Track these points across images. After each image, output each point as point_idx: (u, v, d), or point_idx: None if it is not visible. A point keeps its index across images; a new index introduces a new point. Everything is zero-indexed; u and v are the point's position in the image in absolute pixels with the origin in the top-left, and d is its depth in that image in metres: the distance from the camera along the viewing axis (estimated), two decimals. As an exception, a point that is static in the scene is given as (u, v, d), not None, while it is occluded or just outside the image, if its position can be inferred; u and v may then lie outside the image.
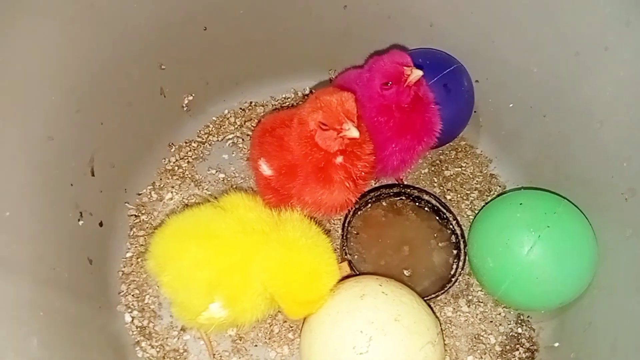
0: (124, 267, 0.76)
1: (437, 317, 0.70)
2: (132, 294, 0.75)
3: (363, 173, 0.69)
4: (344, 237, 0.76)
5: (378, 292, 0.64)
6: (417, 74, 0.67)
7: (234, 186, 0.85)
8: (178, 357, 0.72)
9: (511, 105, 0.83)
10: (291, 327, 0.74)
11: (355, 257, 0.76)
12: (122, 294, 0.75)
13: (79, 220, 0.70)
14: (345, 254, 0.74)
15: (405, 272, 0.75)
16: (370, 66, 0.72)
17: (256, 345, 0.73)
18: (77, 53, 0.68)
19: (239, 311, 0.62)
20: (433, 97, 0.73)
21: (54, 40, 0.65)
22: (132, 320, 0.73)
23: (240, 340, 0.73)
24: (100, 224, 0.75)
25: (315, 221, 0.68)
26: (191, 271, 0.62)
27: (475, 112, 0.87)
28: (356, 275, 0.73)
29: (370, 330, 0.60)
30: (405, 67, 0.67)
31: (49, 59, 0.65)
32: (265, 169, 0.71)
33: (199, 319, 0.62)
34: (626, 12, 0.64)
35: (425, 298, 0.71)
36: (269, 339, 0.73)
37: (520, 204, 0.70)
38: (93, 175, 0.73)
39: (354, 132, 0.61)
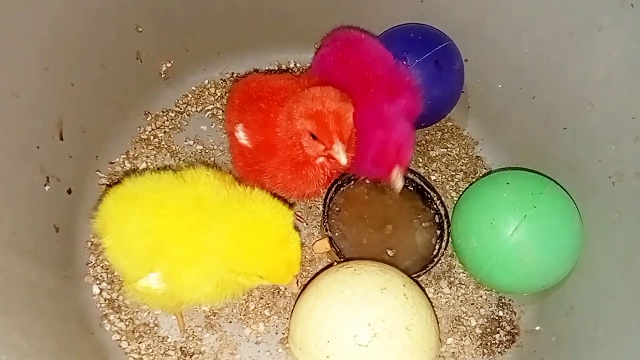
0: (93, 237, 0.72)
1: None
2: (101, 265, 0.71)
3: (338, 172, 0.69)
4: (325, 214, 0.73)
5: (399, 292, 0.60)
6: (398, 185, 0.68)
7: (212, 159, 0.82)
8: (148, 331, 0.69)
9: (500, 86, 0.82)
10: (267, 304, 0.72)
11: (337, 234, 0.73)
12: (90, 264, 0.71)
13: (45, 185, 0.66)
14: (326, 231, 0.72)
15: (389, 252, 0.73)
16: (389, 136, 0.67)
17: (230, 322, 0.70)
18: (46, 5, 0.63)
19: (178, 286, 0.58)
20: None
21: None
22: (101, 292, 0.70)
23: (214, 316, 0.71)
24: (69, 191, 0.71)
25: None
26: (134, 237, 0.58)
27: (463, 92, 0.85)
28: (338, 252, 0.71)
29: (379, 327, 0.57)
30: (396, 168, 0.66)
31: (16, 10, 0.60)
32: (242, 137, 0.68)
33: (135, 286, 0.59)
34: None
35: (407, 278, 0.69)
36: (244, 315, 0.71)
37: (507, 183, 0.68)
38: (62, 139, 0.69)
39: (342, 159, 0.60)
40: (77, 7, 0.67)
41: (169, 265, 0.57)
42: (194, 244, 0.57)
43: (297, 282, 0.64)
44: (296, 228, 0.61)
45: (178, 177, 0.63)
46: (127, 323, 0.69)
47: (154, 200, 0.59)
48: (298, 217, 0.77)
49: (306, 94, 0.62)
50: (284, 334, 0.70)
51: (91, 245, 0.72)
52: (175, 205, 0.59)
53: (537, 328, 0.72)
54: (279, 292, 0.73)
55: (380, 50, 0.75)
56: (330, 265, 0.72)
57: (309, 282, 0.67)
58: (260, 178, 0.68)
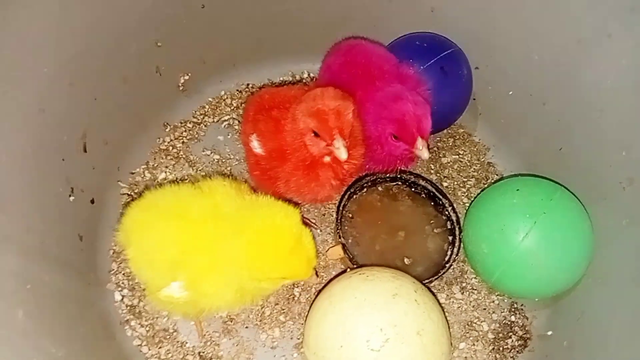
0: (115, 245, 0.75)
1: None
2: (122, 272, 0.74)
3: (350, 172, 0.70)
4: (339, 221, 0.75)
5: (411, 298, 0.61)
6: (424, 155, 0.67)
7: (229, 168, 0.84)
8: (167, 336, 0.71)
9: (511, 92, 0.83)
10: (282, 310, 0.74)
11: (350, 240, 0.75)
12: (112, 272, 0.74)
13: (69, 195, 0.69)
14: (340, 237, 0.74)
15: (406, 260, 0.75)
16: (393, 109, 0.68)
17: (247, 327, 0.73)
18: (72, 25, 0.67)
19: (200, 294, 0.61)
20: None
21: (49, 10, 0.64)
22: (122, 299, 0.72)
23: (231, 321, 0.73)
24: (92, 201, 0.74)
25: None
26: (156, 248, 0.61)
27: (474, 99, 0.86)
28: (351, 258, 0.72)
29: (391, 333, 0.58)
30: (419, 139, 0.67)
31: (43, 30, 0.64)
32: (257, 146, 0.70)
33: (158, 295, 0.61)
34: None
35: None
36: (260, 321, 0.73)
37: (517, 189, 0.69)
38: (85, 151, 0.72)
39: (342, 154, 0.62)
40: (101, 25, 0.70)
41: (191, 274, 0.60)
42: (214, 254, 0.60)
43: (317, 274, 0.67)
44: (306, 224, 0.64)
45: (196, 188, 0.66)
46: (147, 329, 0.71)
47: (174, 212, 0.62)
48: (311, 223, 0.79)
49: (308, 95, 0.66)
50: (299, 339, 0.72)
51: (113, 253, 0.75)
52: (194, 216, 0.61)
53: (549, 333, 0.72)
54: (293, 298, 0.75)
55: (382, 51, 0.78)
56: (344, 271, 0.74)
57: (323, 288, 0.68)
58: (275, 185, 0.71)
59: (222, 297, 0.61)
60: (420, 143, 0.67)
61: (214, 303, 0.61)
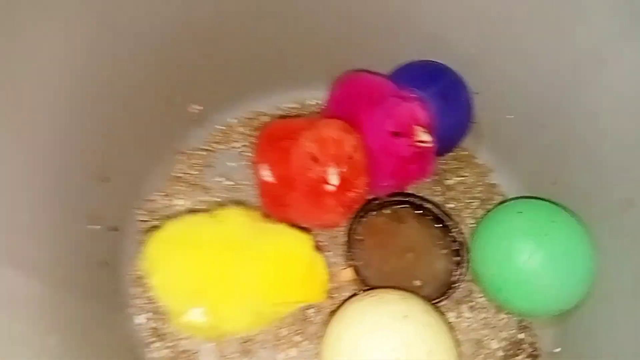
0: (137, 270, 0.78)
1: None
2: (145, 296, 0.77)
3: (354, 200, 0.73)
4: (349, 243, 0.78)
5: (421, 319, 0.64)
6: (426, 138, 0.69)
7: (242, 192, 0.87)
8: (190, 357, 0.74)
9: (511, 116, 0.85)
10: (298, 330, 0.76)
11: (361, 262, 0.78)
12: (135, 296, 0.77)
13: (91, 224, 0.72)
14: (351, 260, 0.76)
15: (417, 282, 0.77)
16: (388, 108, 0.72)
17: (265, 348, 0.75)
18: (84, 60, 0.69)
19: (219, 320, 0.64)
20: (434, 149, 0.75)
21: (61, 44, 0.66)
22: (146, 322, 0.75)
23: (249, 342, 0.75)
24: (115, 229, 0.77)
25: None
26: (177, 277, 0.65)
27: (475, 122, 0.89)
28: (362, 280, 0.75)
29: (402, 354, 0.60)
30: (417, 127, 0.69)
31: (55, 64, 0.66)
32: (266, 175, 0.73)
33: (181, 321, 0.65)
34: (623, 25, 0.65)
35: (429, 303, 0.72)
36: (278, 341, 0.75)
37: (520, 212, 0.72)
38: (104, 181, 0.75)
39: (333, 179, 0.67)
40: (112, 60, 0.72)
41: (209, 301, 0.64)
42: (231, 280, 0.64)
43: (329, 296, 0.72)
44: (318, 248, 0.68)
45: (212, 217, 0.70)
46: (171, 350, 0.74)
47: (192, 242, 0.66)
48: (321, 246, 0.82)
49: (315, 123, 0.71)
50: (315, 359, 0.74)
51: (136, 278, 0.78)
52: (210, 245, 0.65)
53: (558, 350, 0.74)
54: (307, 318, 0.77)
55: (382, 80, 0.82)
56: (355, 294, 0.77)
57: (336, 309, 0.71)
58: (285, 211, 0.74)
59: (240, 321, 0.65)
60: (418, 129, 0.69)
61: (233, 327, 0.65)
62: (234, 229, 0.68)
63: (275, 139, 0.75)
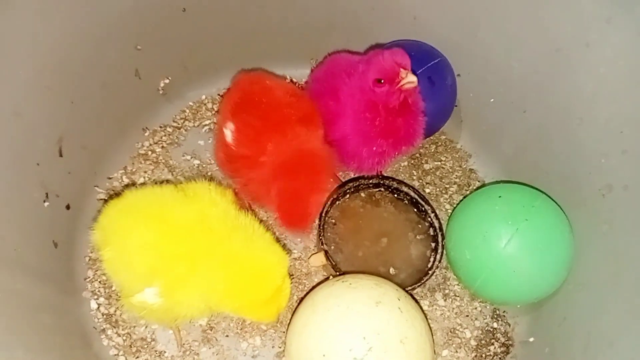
0: (91, 252, 0.73)
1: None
2: (98, 280, 0.72)
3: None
4: (321, 227, 0.74)
5: (394, 306, 0.61)
6: (412, 79, 0.65)
7: (209, 173, 0.83)
8: (145, 346, 0.69)
9: (492, 100, 0.83)
10: (264, 317, 0.73)
11: (332, 247, 0.75)
12: (88, 279, 0.72)
13: (44, 201, 0.67)
14: (322, 244, 0.73)
15: (391, 270, 0.74)
16: (368, 58, 0.70)
17: (227, 336, 0.71)
18: (49, 28, 0.65)
19: (174, 302, 0.59)
20: (422, 107, 0.72)
21: (26, 13, 0.62)
22: (98, 307, 0.70)
23: (211, 330, 0.71)
24: (68, 207, 0.72)
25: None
26: (134, 252, 0.59)
27: (456, 106, 0.87)
28: (333, 265, 0.72)
29: (374, 341, 0.57)
30: (401, 69, 0.66)
31: (18, 33, 0.62)
32: (229, 136, 0.69)
33: (131, 300, 0.59)
34: (607, 9, 0.64)
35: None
36: (241, 329, 0.71)
37: (499, 196, 0.70)
38: (61, 155, 0.70)
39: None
40: (79, 28, 0.68)
41: (167, 282, 0.58)
42: (194, 264, 0.58)
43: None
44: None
45: (179, 191, 0.64)
46: (124, 338, 0.69)
47: (157, 216, 0.60)
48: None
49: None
50: (280, 347, 0.71)
51: (89, 260, 0.73)
52: (178, 222, 0.60)
53: (531, 339, 0.73)
54: (275, 305, 0.74)
55: (360, 57, 0.78)
56: (327, 279, 0.73)
57: (305, 295, 0.67)
58: (234, 176, 0.72)
59: (196, 307, 0.60)
60: (402, 72, 0.65)
61: (187, 312, 0.60)
62: (205, 208, 0.62)
63: (251, 101, 0.70)
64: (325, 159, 0.70)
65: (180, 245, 0.59)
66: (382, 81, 0.67)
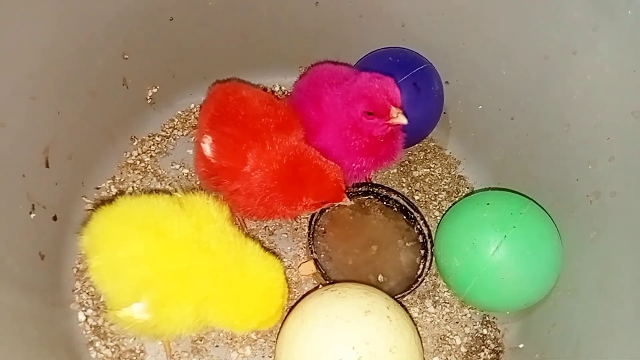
0: (79, 263, 0.73)
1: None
2: (86, 291, 0.71)
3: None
4: (311, 235, 0.74)
5: (383, 315, 0.60)
6: (402, 120, 0.66)
7: (198, 182, 0.82)
8: (134, 357, 0.69)
9: (480, 107, 0.84)
10: (254, 327, 0.72)
11: (322, 255, 0.74)
12: (76, 291, 0.71)
13: (30, 213, 0.67)
14: (312, 252, 0.73)
15: (380, 278, 0.74)
16: (358, 84, 0.69)
17: (217, 346, 0.71)
18: (34, 37, 0.64)
19: (163, 319, 0.57)
20: (402, 128, 0.72)
21: (11, 22, 0.61)
22: (86, 319, 0.70)
23: (201, 340, 0.71)
24: (55, 218, 0.71)
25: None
26: (125, 263, 0.56)
27: (444, 113, 0.87)
28: (323, 274, 0.72)
29: (363, 351, 0.57)
30: (392, 107, 0.66)
31: (3, 42, 0.61)
32: (207, 150, 0.68)
33: (117, 313, 0.57)
34: (594, 17, 0.64)
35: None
36: (231, 339, 0.71)
37: (488, 204, 0.70)
38: (47, 166, 0.70)
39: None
40: (65, 36, 0.68)
41: (157, 297, 0.56)
42: (188, 282, 0.57)
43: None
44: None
45: (175, 203, 0.62)
46: (112, 350, 0.68)
47: (151, 227, 0.57)
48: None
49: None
50: (270, 357, 0.70)
51: (77, 271, 0.73)
52: (174, 236, 0.57)
53: (521, 346, 0.73)
54: (265, 314, 0.73)
55: (344, 67, 0.80)
56: (316, 287, 0.73)
57: (295, 305, 0.67)
58: (218, 189, 0.70)
59: (185, 324, 0.58)
60: (394, 111, 0.66)
61: (175, 329, 0.58)
62: (200, 223, 0.60)
63: (228, 115, 0.69)
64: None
65: (175, 260, 0.57)
66: (372, 114, 0.67)
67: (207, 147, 0.68)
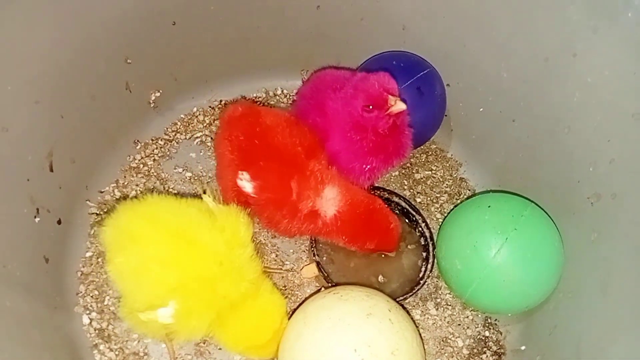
0: (83, 267, 0.73)
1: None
2: (90, 294, 0.72)
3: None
4: (313, 239, 0.74)
5: (385, 317, 0.61)
6: (401, 106, 0.66)
7: (202, 185, 0.83)
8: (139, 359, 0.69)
9: (481, 109, 0.84)
10: (257, 330, 0.72)
11: (324, 258, 0.75)
12: (80, 294, 0.72)
13: (35, 217, 0.67)
14: (314, 255, 0.73)
15: (380, 278, 0.74)
16: (355, 83, 0.70)
17: (220, 349, 0.71)
18: (37, 42, 0.65)
19: (183, 325, 0.57)
20: (408, 122, 0.73)
21: (13, 27, 0.62)
22: (90, 322, 0.70)
23: (204, 343, 0.71)
24: (59, 222, 0.71)
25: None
26: (151, 265, 0.55)
27: (446, 116, 0.87)
28: (325, 276, 0.72)
29: (365, 353, 0.57)
30: (390, 96, 0.66)
31: (5, 46, 0.61)
32: (247, 187, 0.67)
33: (139, 315, 0.55)
34: (594, 20, 0.65)
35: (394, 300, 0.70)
36: (234, 342, 0.71)
37: (489, 206, 0.70)
38: (51, 170, 0.70)
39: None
40: (68, 41, 0.68)
41: (184, 304, 0.55)
42: (212, 294, 0.57)
43: None
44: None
45: (206, 212, 0.60)
46: (117, 352, 0.69)
47: (183, 232, 0.56)
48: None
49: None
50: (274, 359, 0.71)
51: (81, 275, 0.73)
52: (207, 247, 0.57)
53: (523, 348, 0.73)
54: (268, 317, 0.73)
55: (347, 72, 0.80)
56: (319, 290, 0.74)
57: (297, 307, 0.67)
58: (258, 214, 0.70)
59: (199, 332, 0.59)
60: (391, 99, 0.66)
61: (191, 334, 0.58)
62: (232, 243, 0.58)
63: (259, 148, 0.68)
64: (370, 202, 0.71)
65: (203, 270, 0.56)
66: (371, 107, 0.67)
67: (247, 185, 0.67)
